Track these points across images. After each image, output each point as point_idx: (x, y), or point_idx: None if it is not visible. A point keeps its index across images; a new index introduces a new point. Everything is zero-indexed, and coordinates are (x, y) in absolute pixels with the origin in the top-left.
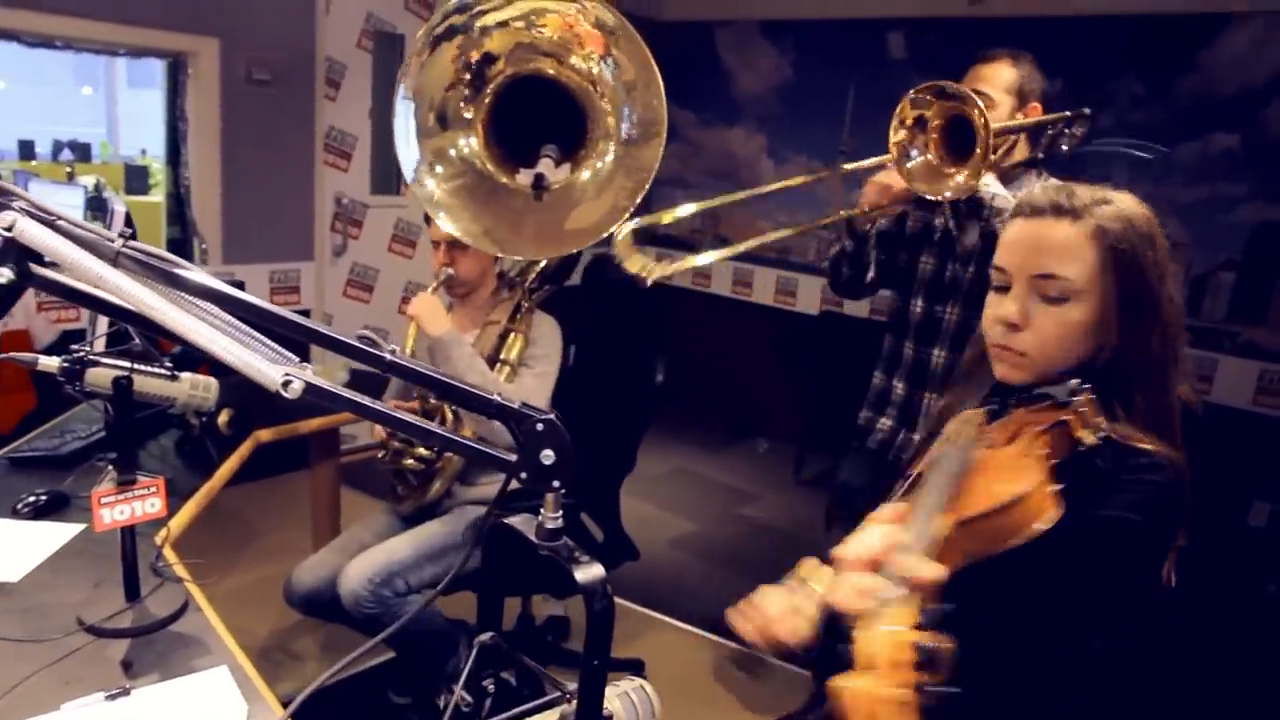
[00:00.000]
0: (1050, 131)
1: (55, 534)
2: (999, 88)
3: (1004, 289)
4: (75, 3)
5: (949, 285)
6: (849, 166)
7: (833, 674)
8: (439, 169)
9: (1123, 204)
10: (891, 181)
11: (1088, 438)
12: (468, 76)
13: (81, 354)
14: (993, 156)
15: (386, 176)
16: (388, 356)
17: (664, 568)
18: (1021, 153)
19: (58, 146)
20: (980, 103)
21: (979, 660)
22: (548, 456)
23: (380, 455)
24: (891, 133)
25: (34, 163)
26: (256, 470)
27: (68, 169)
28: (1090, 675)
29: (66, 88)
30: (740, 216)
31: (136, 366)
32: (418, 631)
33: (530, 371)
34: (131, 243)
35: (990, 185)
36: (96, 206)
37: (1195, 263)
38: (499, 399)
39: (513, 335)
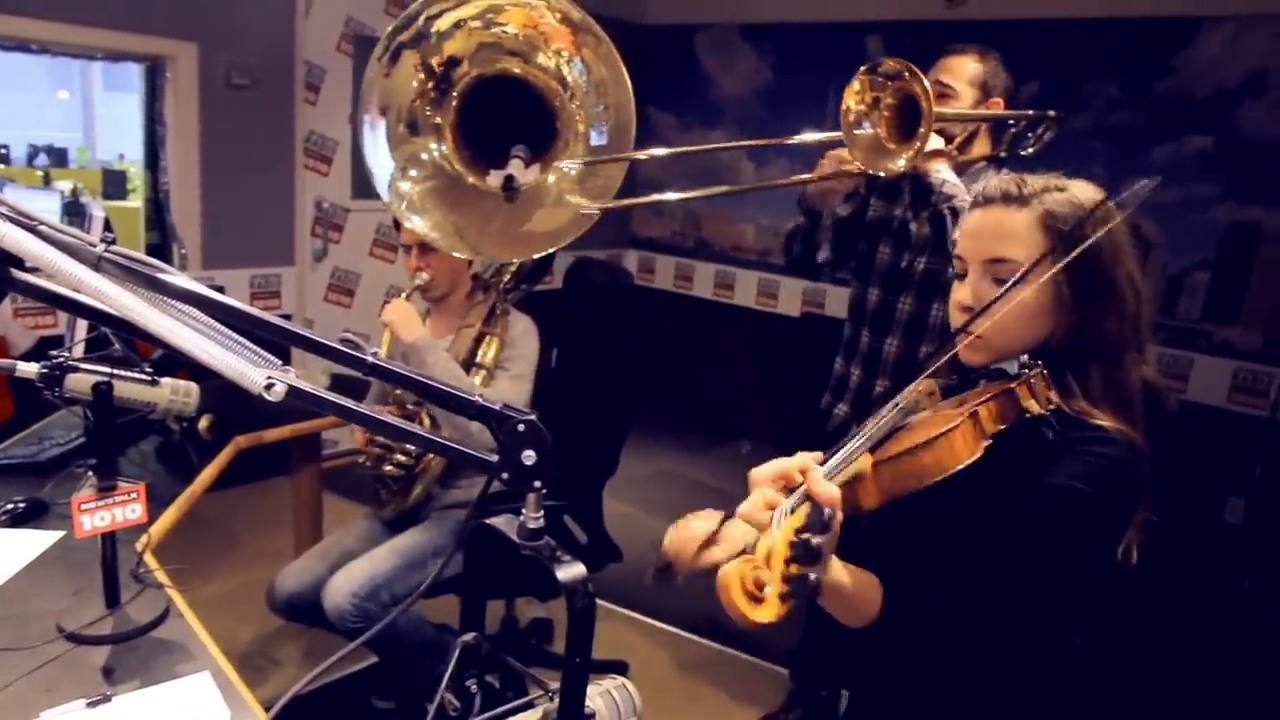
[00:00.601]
0: (1012, 129)
1: (34, 541)
2: (962, 79)
3: (963, 276)
4: (51, 6)
5: (904, 275)
6: (810, 137)
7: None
8: (412, 172)
9: (1075, 190)
10: (845, 156)
11: (1035, 407)
12: (433, 81)
13: (60, 359)
14: (949, 146)
15: (367, 181)
16: (369, 359)
17: (647, 569)
18: (982, 148)
19: (33, 151)
20: (926, 85)
21: (901, 602)
22: (529, 457)
23: (361, 460)
24: (844, 100)
25: (8, 167)
26: (238, 476)
27: (43, 174)
28: (1040, 653)
29: (41, 92)
30: (721, 219)
31: (116, 372)
32: (404, 640)
33: (506, 374)
34: (113, 247)
35: (942, 172)
36: (73, 211)
37: (1171, 263)
38: (480, 399)
39: (488, 338)
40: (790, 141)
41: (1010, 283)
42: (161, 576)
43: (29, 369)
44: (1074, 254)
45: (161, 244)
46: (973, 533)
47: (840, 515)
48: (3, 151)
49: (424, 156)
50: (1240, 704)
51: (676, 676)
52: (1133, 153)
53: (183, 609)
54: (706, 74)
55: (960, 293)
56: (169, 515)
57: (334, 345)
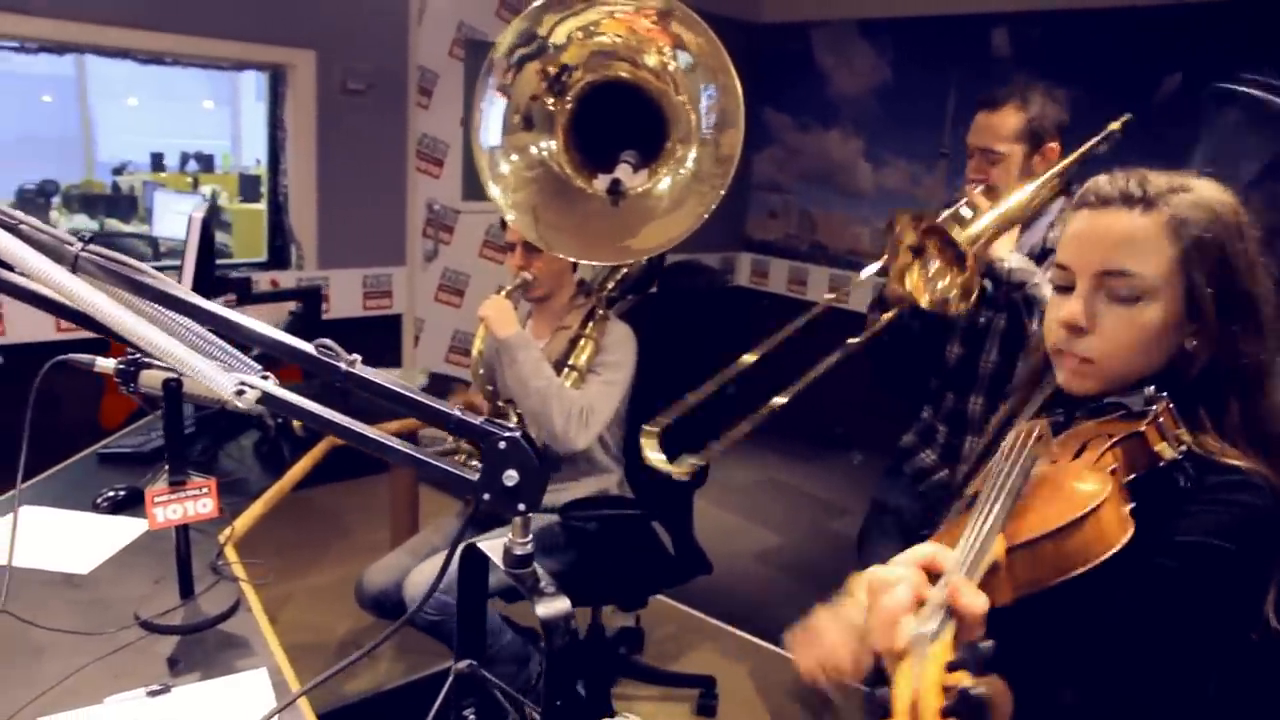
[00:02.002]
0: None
1: (127, 529)
2: (1006, 138)
3: (1067, 289)
4: (181, 21)
5: (984, 330)
6: (863, 276)
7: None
8: (514, 157)
9: (1203, 191)
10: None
11: (1167, 451)
12: (550, 85)
13: (136, 356)
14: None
15: (478, 183)
16: (343, 367)
17: (746, 581)
18: (1051, 187)
19: (184, 158)
20: (945, 221)
21: (1035, 702)
22: (510, 477)
23: (456, 458)
24: (897, 276)
25: (163, 174)
26: (345, 470)
27: (192, 179)
28: None
29: (195, 102)
30: (838, 221)
31: None
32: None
33: (598, 379)
34: (91, 247)
35: (1007, 260)
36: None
37: None
38: (458, 414)
39: (583, 341)
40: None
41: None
42: (238, 570)
43: (107, 365)
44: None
45: (281, 244)
46: (1100, 608)
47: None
48: (159, 159)
49: (532, 150)
50: None
51: (768, 695)
52: None
53: (253, 603)
54: (823, 72)
55: (1067, 309)
56: (254, 509)
57: (309, 352)
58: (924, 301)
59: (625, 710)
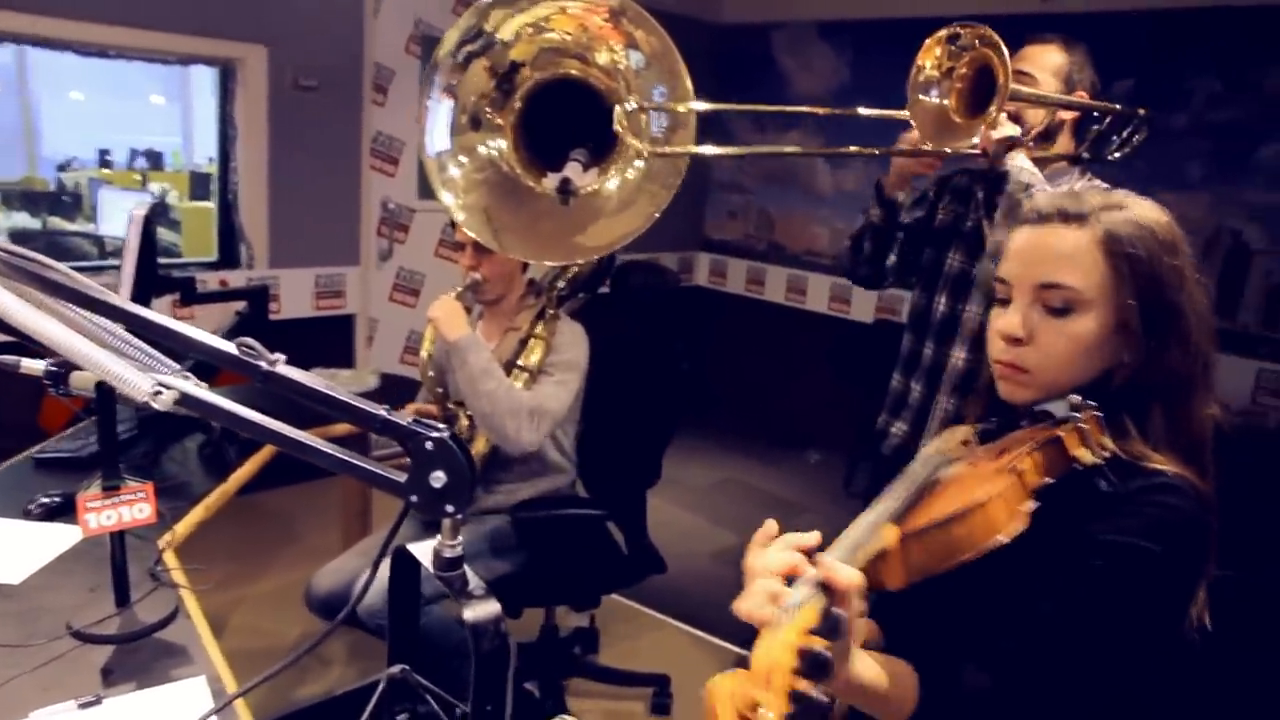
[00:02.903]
0: (1097, 128)
1: (61, 536)
2: (1045, 70)
3: (1006, 301)
4: (127, 13)
5: (974, 282)
6: (871, 112)
7: None
8: (463, 159)
9: (1138, 209)
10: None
11: (1086, 456)
12: (497, 82)
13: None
14: (1025, 138)
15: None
16: (264, 366)
17: (702, 580)
18: (1063, 147)
19: (133, 155)
20: (1005, 54)
21: (948, 694)
22: (438, 479)
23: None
24: (917, 61)
25: (109, 171)
26: (297, 473)
27: (141, 176)
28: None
29: (144, 98)
30: (796, 221)
31: None
32: (431, 643)
33: (550, 379)
34: (3, 245)
35: (1019, 159)
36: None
37: (1276, 270)
38: (384, 414)
39: (533, 341)
40: (848, 113)
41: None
42: (178, 576)
43: (34, 366)
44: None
45: (231, 243)
46: (1018, 605)
47: (860, 606)
48: (106, 156)
49: (481, 150)
50: None
51: None
52: (1236, 153)
53: (193, 610)
54: (783, 73)
55: (1005, 321)
56: (195, 514)
57: (229, 351)
58: (930, 139)
59: (579, 710)
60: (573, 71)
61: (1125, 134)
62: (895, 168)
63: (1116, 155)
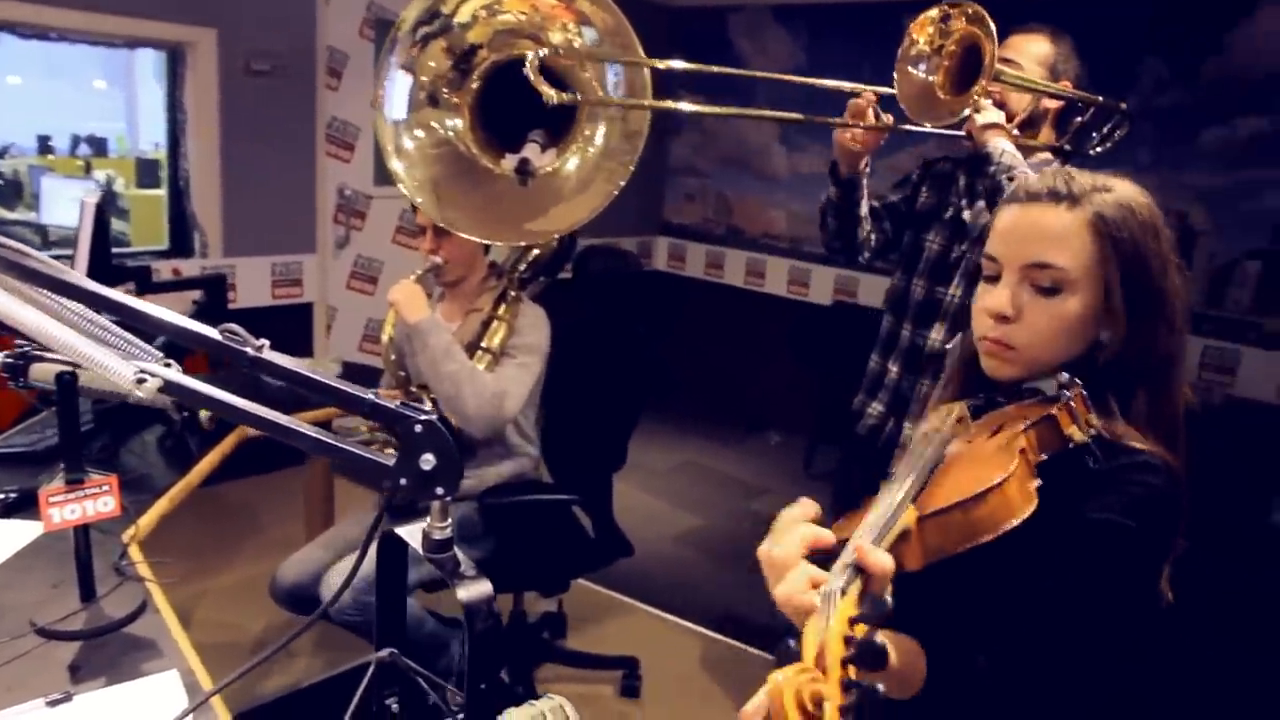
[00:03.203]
0: (1079, 119)
1: (20, 532)
2: (1031, 59)
3: (994, 279)
4: None
5: (953, 265)
6: (845, 85)
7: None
8: (419, 133)
9: (1124, 191)
10: (862, 105)
11: (1077, 434)
12: (455, 64)
13: (26, 348)
14: (1008, 124)
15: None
16: (250, 352)
17: (667, 563)
18: (1045, 138)
19: (75, 141)
20: (993, 31)
21: (948, 665)
22: (428, 461)
23: (372, 448)
24: (909, 33)
25: (51, 157)
26: (257, 465)
27: (84, 163)
28: (1084, 691)
29: (87, 83)
30: (753, 205)
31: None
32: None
33: (512, 361)
34: None
35: (1001, 143)
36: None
37: (1219, 251)
38: (372, 397)
39: (495, 323)
40: (822, 84)
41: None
42: (144, 570)
43: None
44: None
45: (183, 231)
46: (1011, 579)
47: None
48: (47, 142)
49: (437, 128)
50: None
51: (692, 674)
52: (1181, 136)
53: (160, 604)
54: (739, 57)
55: (993, 298)
56: (158, 507)
57: (214, 338)
58: (912, 113)
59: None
60: (528, 51)
61: (1107, 129)
62: (838, 145)
63: (1097, 150)
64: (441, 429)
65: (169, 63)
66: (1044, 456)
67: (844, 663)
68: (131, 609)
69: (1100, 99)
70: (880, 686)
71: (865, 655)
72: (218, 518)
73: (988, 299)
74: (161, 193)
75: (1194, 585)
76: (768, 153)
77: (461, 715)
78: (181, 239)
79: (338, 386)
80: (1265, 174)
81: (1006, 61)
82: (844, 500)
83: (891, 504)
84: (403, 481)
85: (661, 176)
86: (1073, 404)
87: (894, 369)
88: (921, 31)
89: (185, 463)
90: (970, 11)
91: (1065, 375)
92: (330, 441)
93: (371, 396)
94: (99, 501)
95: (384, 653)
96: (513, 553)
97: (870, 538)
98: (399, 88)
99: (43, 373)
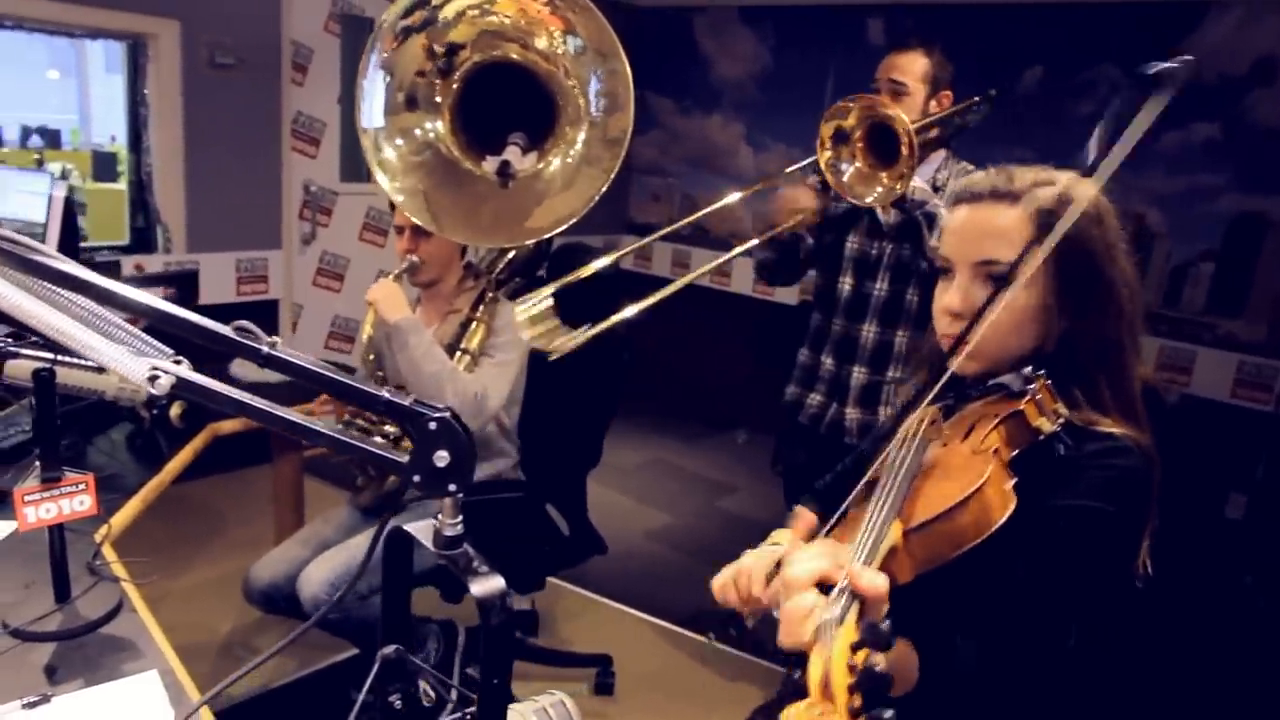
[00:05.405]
0: (958, 120)
1: None
2: (914, 77)
3: (947, 275)
4: None
5: (875, 262)
6: (789, 170)
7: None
8: (399, 142)
9: (1065, 184)
10: (798, 198)
11: (1046, 425)
12: (436, 64)
13: (1, 344)
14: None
15: (356, 164)
16: (264, 349)
17: (637, 561)
18: (934, 132)
19: (25, 132)
20: (900, 115)
21: (944, 668)
22: (442, 458)
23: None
24: (819, 151)
25: (3, 149)
26: (223, 463)
27: (36, 155)
28: (1066, 671)
29: (38, 73)
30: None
31: (60, 358)
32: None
33: (491, 361)
34: None
35: (913, 181)
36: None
37: (1174, 253)
38: (387, 395)
39: (474, 324)
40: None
41: (998, 288)
42: (119, 569)
43: None
44: (1054, 238)
45: (145, 226)
46: (995, 571)
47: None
48: None
49: (416, 132)
50: (1240, 701)
51: (665, 671)
52: (1138, 141)
53: (137, 604)
54: (705, 57)
55: (949, 297)
56: (132, 506)
57: (226, 334)
58: (851, 198)
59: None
60: (513, 55)
61: (980, 111)
62: (781, 212)
63: (970, 123)
64: (455, 425)
65: (130, 54)
66: (1016, 451)
67: (850, 690)
68: (107, 609)
69: (976, 99)
70: (889, 713)
71: (870, 683)
72: (182, 516)
73: (944, 298)
74: (119, 187)
75: (1152, 579)
76: (734, 153)
77: (473, 710)
78: (143, 234)
79: (352, 384)
80: (1217, 179)
81: (893, 83)
82: (796, 483)
83: (876, 521)
84: (416, 478)
85: (628, 175)
86: (1039, 396)
87: (828, 361)
88: (825, 149)
89: (155, 461)
90: (855, 105)
91: (1029, 369)
92: (347, 440)
93: (386, 394)
94: (75, 500)
95: (389, 649)
96: (486, 551)
97: (860, 559)
98: (376, 90)
99: (18, 369)
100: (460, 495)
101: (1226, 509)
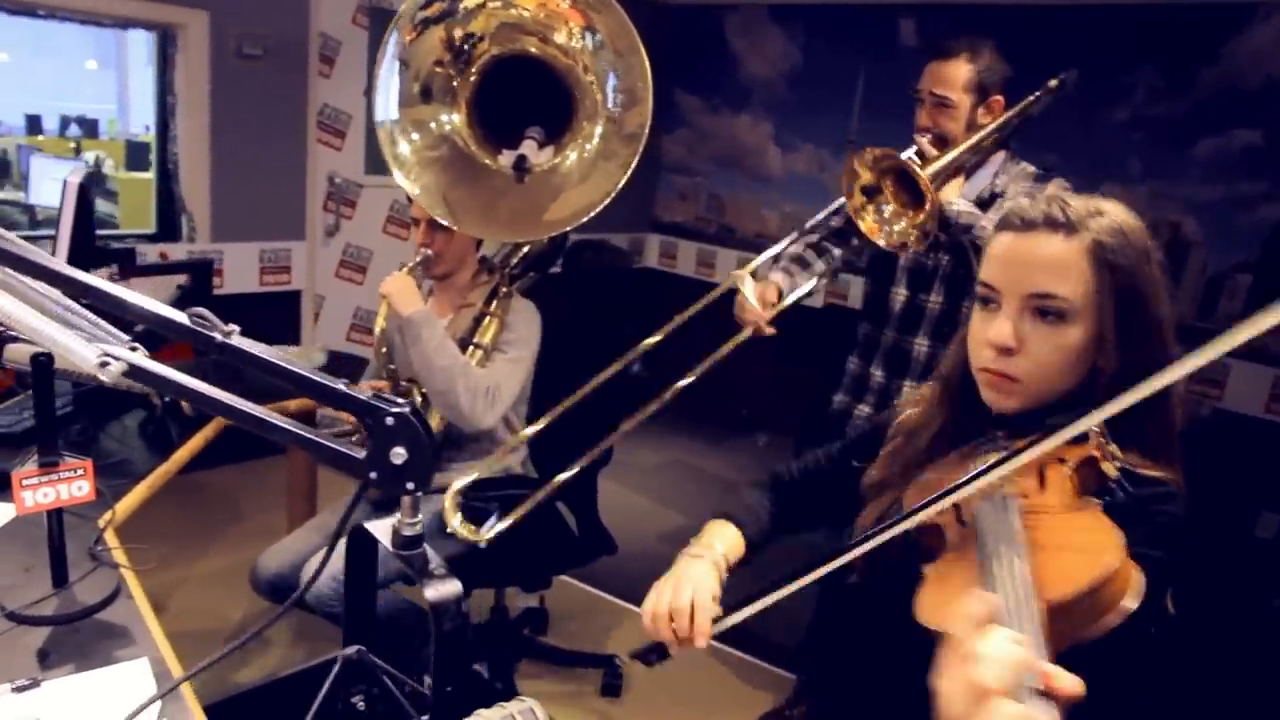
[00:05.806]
0: (1015, 121)
1: None
2: (957, 88)
3: (991, 304)
4: None
5: (931, 273)
6: (819, 216)
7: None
8: (415, 136)
9: (1117, 216)
10: (751, 314)
11: (1111, 470)
12: (454, 55)
13: (1, 329)
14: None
15: (381, 156)
16: (218, 338)
17: (651, 561)
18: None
19: (64, 122)
20: (910, 159)
21: None
22: (399, 455)
23: (353, 438)
24: (850, 210)
25: (40, 137)
26: (239, 452)
27: (74, 144)
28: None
29: (79, 63)
30: (746, 204)
31: None
32: (382, 624)
33: (504, 356)
34: None
35: (955, 203)
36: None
37: (1210, 263)
38: (342, 387)
39: (488, 319)
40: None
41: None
42: (119, 556)
43: None
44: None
45: (171, 215)
46: (1123, 645)
47: None
48: (36, 122)
49: (432, 125)
50: None
51: (674, 673)
52: (1174, 146)
53: (134, 591)
54: (734, 55)
55: (995, 330)
56: (138, 492)
57: (180, 321)
58: (882, 242)
59: (530, 693)
60: (531, 49)
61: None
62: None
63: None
64: (414, 422)
65: (159, 44)
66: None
67: None
68: (104, 595)
69: (1032, 98)
70: None
71: None
72: (198, 505)
73: (990, 331)
74: (150, 176)
75: (1181, 598)
76: (762, 153)
77: (427, 718)
78: (169, 223)
79: (308, 375)
80: (1258, 187)
81: (935, 97)
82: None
83: (1020, 602)
84: (373, 475)
85: (654, 174)
86: (1103, 441)
87: (878, 373)
88: (856, 202)
89: (166, 448)
90: (870, 158)
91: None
92: (300, 432)
93: (342, 386)
94: (73, 485)
95: (350, 650)
96: (496, 547)
97: (1031, 643)
98: (392, 81)
99: (18, 353)
100: (419, 494)
101: (1257, 528)
